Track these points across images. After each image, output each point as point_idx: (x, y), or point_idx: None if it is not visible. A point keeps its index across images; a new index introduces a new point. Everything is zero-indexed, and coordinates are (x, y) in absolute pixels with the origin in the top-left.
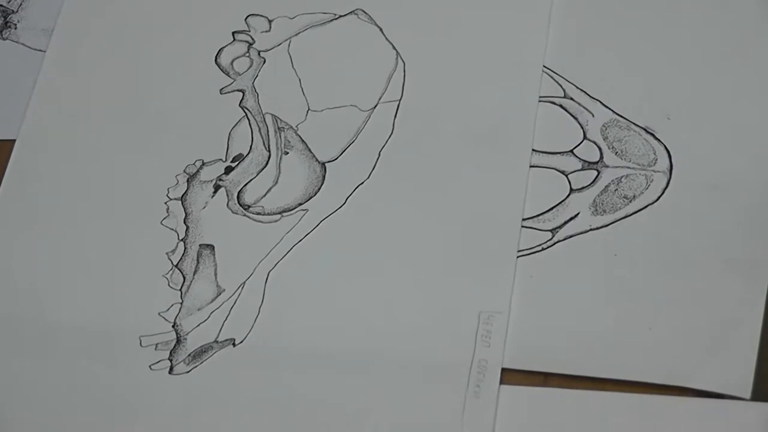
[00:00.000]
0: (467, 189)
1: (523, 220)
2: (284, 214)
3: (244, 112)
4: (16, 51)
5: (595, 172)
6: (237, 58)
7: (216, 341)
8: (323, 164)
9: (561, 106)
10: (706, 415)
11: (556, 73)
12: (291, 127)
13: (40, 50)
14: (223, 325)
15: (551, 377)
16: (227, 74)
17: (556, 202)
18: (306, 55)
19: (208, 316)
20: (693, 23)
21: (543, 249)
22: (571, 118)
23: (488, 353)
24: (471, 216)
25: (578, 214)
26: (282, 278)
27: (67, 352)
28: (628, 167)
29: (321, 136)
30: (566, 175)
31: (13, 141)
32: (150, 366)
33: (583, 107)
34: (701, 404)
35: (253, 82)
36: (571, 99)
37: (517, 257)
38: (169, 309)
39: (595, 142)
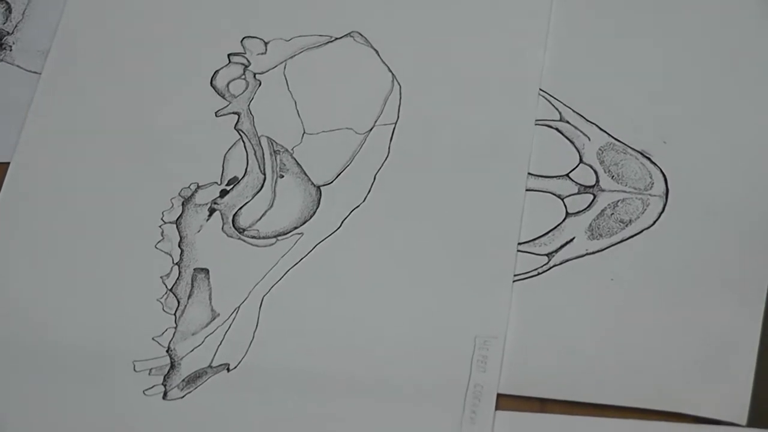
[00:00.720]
0: (463, 213)
1: (519, 244)
2: (279, 237)
3: (240, 134)
4: (10, 73)
5: (591, 196)
6: (233, 80)
7: (210, 366)
8: (318, 187)
9: (557, 129)
10: None
11: (553, 97)
12: (286, 150)
13: (36, 72)
14: (217, 349)
15: (548, 403)
16: (223, 96)
17: (552, 226)
18: (302, 77)
19: (203, 341)
20: (690, 47)
21: (539, 273)
22: (567, 141)
23: (484, 378)
24: (467, 240)
25: (574, 238)
26: (277, 302)
27: (59, 376)
28: (625, 191)
29: (316, 159)
30: (562, 199)
31: (7, 164)
32: (144, 391)
33: (580, 131)
34: (697, 430)
35: (248, 105)
36: (568, 122)
37: (513, 281)
38: (163, 333)
39: (591, 166)
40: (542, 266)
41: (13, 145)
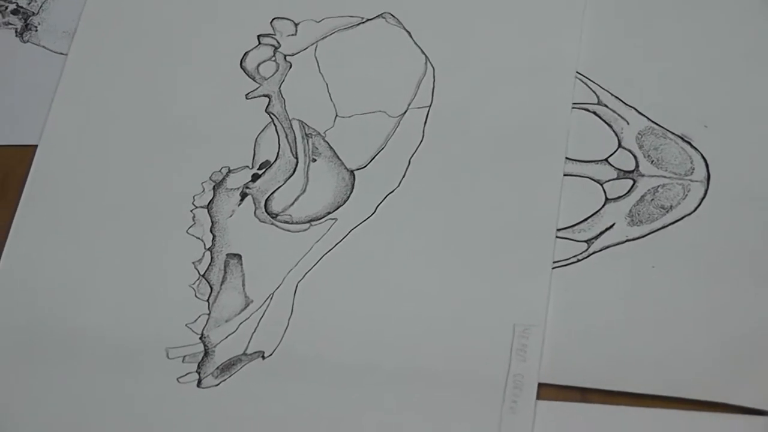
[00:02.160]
0: (500, 198)
1: (558, 230)
2: (313, 223)
3: (271, 117)
4: (36, 54)
5: (631, 182)
6: (263, 62)
7: (245, 354)
8: (352, 172)
9: (595, 113)
10: None
11: (590, 80)
12: (319, 133)
13: (62, 53)
14: (251, 337)
15: (589, 393)
16: (253, 79)
17: (591, 212)
18: (333, 59)
19: (237, 328)
20: (732, 29)
21: (578, 260)
22: (606, 125)
23: (524, 367)
24: (504, 226)
25: (614, 224)
26: (311, 289)
27: (91, 363)
28: (665, 176)
29: (349, 142)
30: (601, 185)
31: (35, 147)
32: (177, 379)
33: (618, 114)
34: (744, 421)
35: (279, 87)
36: (605, 106)
37: (552, 268)
38: (196, 320)
39: (630, 151)
40: (581, 253)
41: (40, 127)
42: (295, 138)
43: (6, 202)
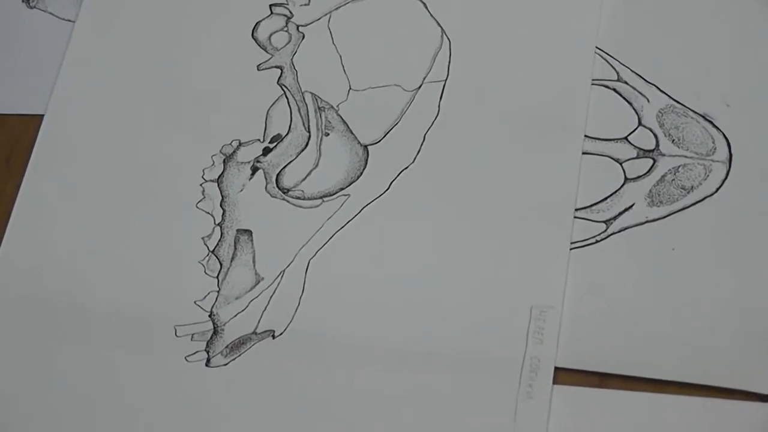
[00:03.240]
0: (517, 176)
1: (576, 210)
2: (325, 199)
3: (283, 90)
4: (43, 20)
5: (651, 161)
6: (275, 32)
7: (255, 332)
8: (365, 147)
9: (615, 90)
10: None
11: (610, 55)
12: (332, 106)
13: (69, 20)
14: (262, 315)
15: (607, 378)
16: (265, 50)
17: (611, 192)
18: (347, 30)
19: (247, 306)
20: (757, 5)
21: (597, 241)
22: (626, 102)
23: (541, 351)
24: (521, 204)
25: (633, 204)
26: (323, 267)
27: (98, 340)
28: (686, 156)
29: (363, 116)
30: (621, 164)
31: (41, 116)
32: (186, 357)
33: (638, 92)
34: (765, 409)
35: (291, 59)
36: (625, 83)
37: (570, 249)
38: (205, 297)
39: (650, 129)
40: (600, 234)
41: (47, 96)
42: (307, 111)
43: (12, 173)
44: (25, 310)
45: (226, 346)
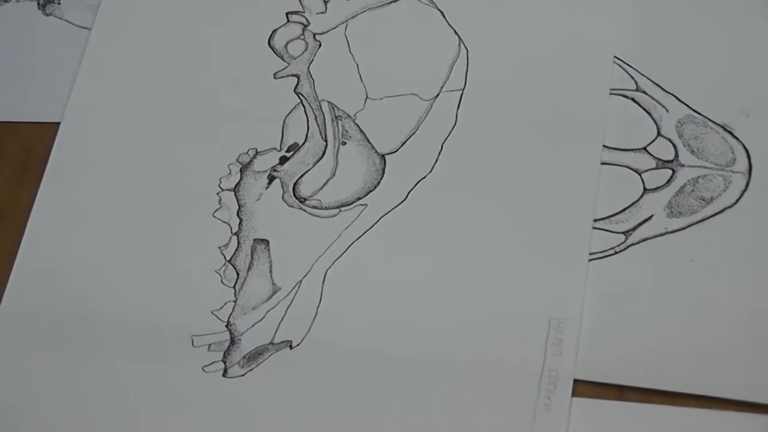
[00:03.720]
0: (535, 186)
1: (595, 221)
2: (342, 208)
3: (300, 98)
4: (59, 28)
5: (670, 171)
6: (291, 40)
7: (272, 343)
8: (383, 156)
9: (633, 99)
10: None
11: (628, 65)
12: (349, 115)
13: (85, 27)
14: (279, 325)
15: (626, 390)
16: (281, 58)
17: (630, 203)
18: (364, 39)
19: (264, 316)
20: None
21: (615, 252)
22: (644, 112)
23: (559, 363)
24: (539, 215)
25: (652, 216)
26: (340, 277)
27: (114, 350)
28: (705, 167)
29: (380, 126)
30: (639, 174)
31: (58, 124)
32: (203, 368)
33: (657, 101)
34: None
35: (308, 67)
36: (644, 92)
37: (589, 260)
38: (222, 307)
39: (669, 139)
40: (619, 245)
41: (63, 104)
42: (324, 120)
43: (28, 181)
44: (41, 318)
45: (243, 357)
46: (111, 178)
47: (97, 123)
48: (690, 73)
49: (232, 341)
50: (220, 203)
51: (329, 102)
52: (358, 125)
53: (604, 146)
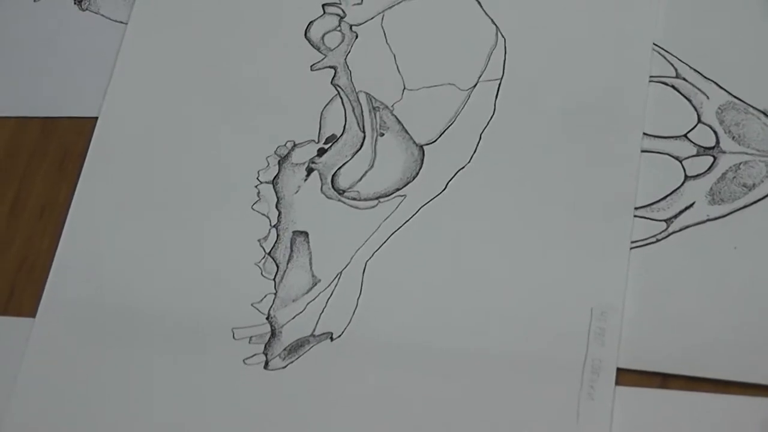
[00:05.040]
0: (575, 174)
1: (636, 209)
2: (381, 199)
3: (337, 90)
4: (95, 22)
5: (712, 158)
6: (328, 32)
7: (313, 335)
8: (421, 147)
9: (673, 86)
10: None
11: (668, 52)
12: (386, 106)
13: (121, 22)
14: (319, 317)
15: (670, 379)
16: (318, 50)
17: (671, 190)
18: (400, 29)
19: (304, 308)
20: None
21: (657, 240)
22: (684, 99)
23: (602, 352)
24: (579, 204)
25: (694, 203)
26: (380, 268)
27: (155, 344)
28: (747, 153)
29: (418, 116)
30: (680, 161)
31: (95, 119)
32: (244, 360)
33: (697, 88)
34: None
35: (345, 59)
36: (684, 79)
37: (630, 249)
38: (262, 300)
39: (710, 126)
40: (661, 233)
41: (100, 99)
42: (362, 111)
43: (66, 177)
44: (82, 314)
45: (284, 349)
46: (149, 172)
47: (135, 117)
48: (730, 59)
49: (273, 333)
50: (258, 196)
51: (366, 93)
52: (395, 116)
53: (645, 134)
